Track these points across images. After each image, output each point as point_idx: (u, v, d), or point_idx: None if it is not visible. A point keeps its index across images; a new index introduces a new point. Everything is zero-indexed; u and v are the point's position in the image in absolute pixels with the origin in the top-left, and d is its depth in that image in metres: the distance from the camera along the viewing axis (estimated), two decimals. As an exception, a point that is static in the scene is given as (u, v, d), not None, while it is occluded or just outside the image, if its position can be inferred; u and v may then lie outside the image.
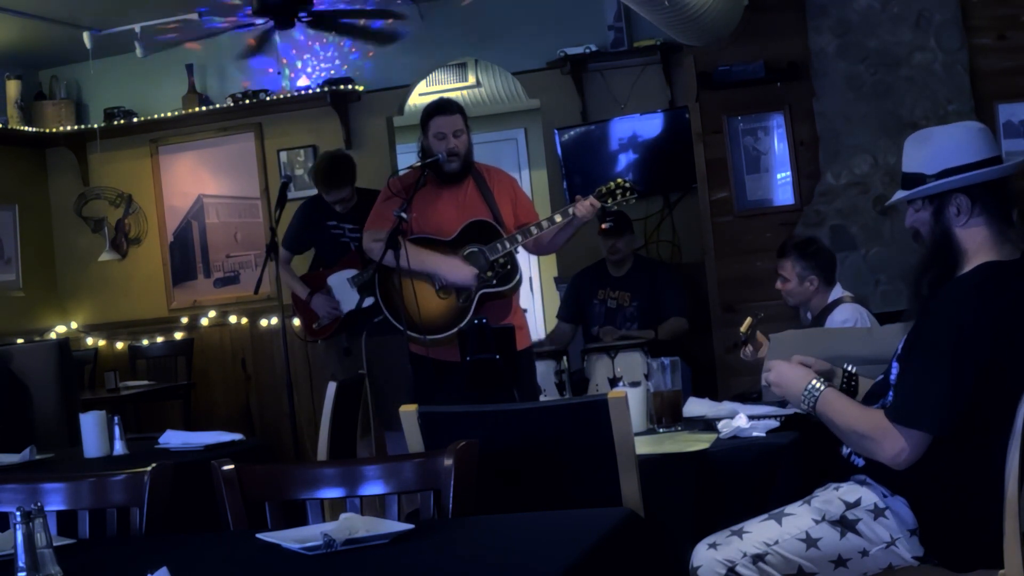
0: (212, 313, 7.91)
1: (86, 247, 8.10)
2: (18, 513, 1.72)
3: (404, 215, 4.27)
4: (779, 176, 6.41)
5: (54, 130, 7.90)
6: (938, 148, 2.58)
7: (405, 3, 7.19)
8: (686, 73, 6.54)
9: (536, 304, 9.96)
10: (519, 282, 4.59)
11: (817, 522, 2.55)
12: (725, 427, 3.04)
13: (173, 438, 3.96)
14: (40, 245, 8.11)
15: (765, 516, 2.61)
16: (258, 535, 2.05)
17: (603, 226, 6.35)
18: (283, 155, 7.76)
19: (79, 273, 8.18)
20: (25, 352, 5.86)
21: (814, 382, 2.64)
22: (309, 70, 7.70)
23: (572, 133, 7.21)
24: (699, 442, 2.97)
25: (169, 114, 7.80)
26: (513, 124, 10.02)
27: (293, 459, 5.89)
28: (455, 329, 4.41)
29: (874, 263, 6.02)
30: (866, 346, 3.36)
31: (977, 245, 2.55)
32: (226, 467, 2.36)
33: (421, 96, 8.05)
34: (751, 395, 3.96)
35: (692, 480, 2.82)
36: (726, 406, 3.40)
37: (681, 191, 7.04)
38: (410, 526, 2.02)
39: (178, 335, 7.91)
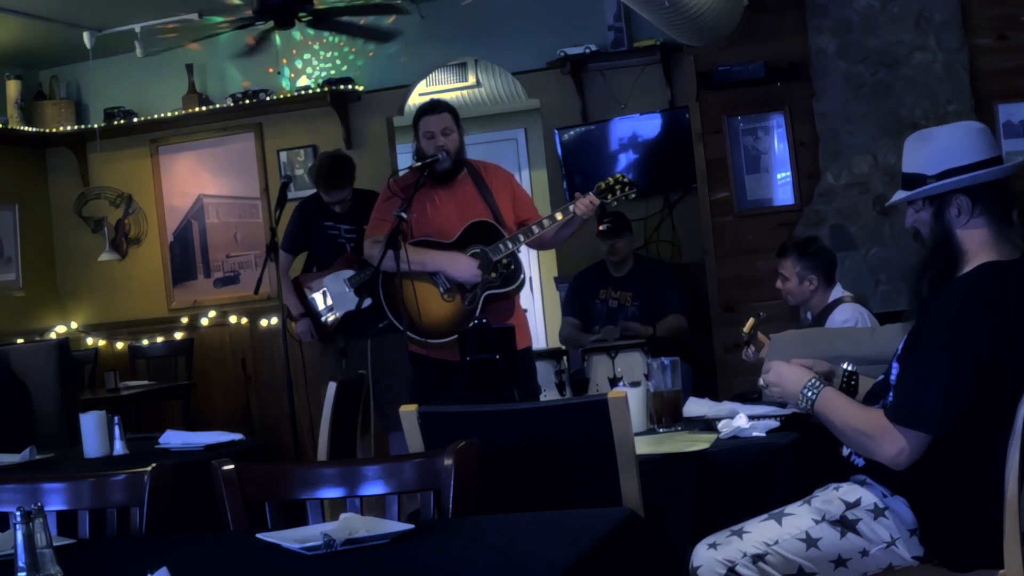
0: (212, 313, 7.91)
1: (86, 247, 8.10)
2: (18, 513, 1.72)
3: (404, 215, 4.27)
4: (779, 176, 6.41)
5: (54, 130, 7.90)
6: (939, 148, 2.58)
7: (405, 2, 7.19)
8: (686, 73, 6.55)
9: (536, 304, 9.96)
10: (523, 281, 4.59)
11: (817, 522, 2.55)
12: (725, 427, 3.04)
13: (173, 438, 3.96)
14: (40, 245, 8.11)
15: (765, 516, 2.60)
16: (258, 535, 2.05)
17: (600, 227, 6.35)
18: (283, 155, 7.76)
19: (79, 273, 8.18)
20: (25, 352, 5.86)
21: (813, 381, 2.64)
22: (309, 70, 7.70)
23: (572, 133, 7.21)
24: (699, 442, 2.97)
25: (169, 114, 7.80)
26: (513, 124, 10.02)
27: (293, 459, 5.90)
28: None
29: (874, 263, 6.02)
30: (866, 346, 3.36)
31: (977, 245, 2.55)
32: (226, 467, 2.36)
33: (421, 96, 8.04)
34: (751, 395, 3.96)
35: (692, 480, 2.82)
36: (726, 406, 3.40)
37: (681, 191, 7.04)
38: (410, 526, 2.01)
39: (178, 335, 7.91)
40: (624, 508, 2.42)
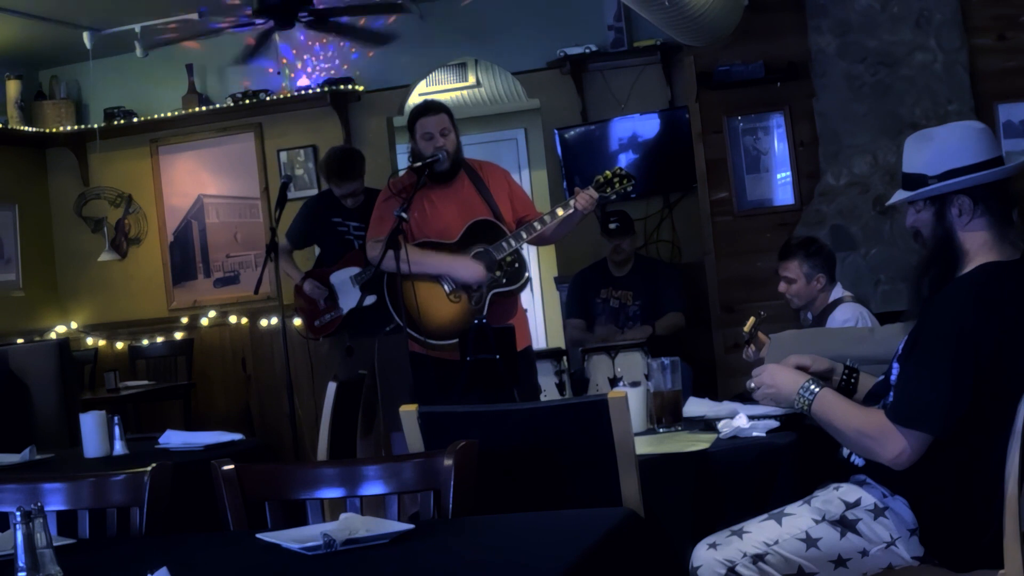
0: (212, 313, 7.91)
1: (86, 247, 8.11)
2: (18, 513, 1.72)
3: (404, 215, 4.27)
4: (779, 176, 6.42)
5: (54, 130, 7.90)
6: (940, 149, 2.58)
7: (405, 2, 7.19)
8: (686, 73, 6.55)
9: (536, 304, 9.96)
10: (528, 278, 4.60)
11: (817, 522, 2.55)
12: (725, 427, 3.04)
13: (173, 438, 3.96)
14: (40, 245, 8.11)
15: (765, 516, 2.60)
16: (258, 535, 2.05)
17: (609, 227, 6.36)
18: (283, 155, 7.76)
19: (79, 273, 8.18)
20: (25, 352, 5.87)
21: (808, 384, 2.63)
22: (309, 70, 7.70)
23: (572, 133, 7.21)
24: (699, 442, 2.97)
25: (169, 114, 7.80)
26: (513, 124, 10.02)
27: (293, 459, 5.90)
28: None
29: (874, 263, 6.02)
30: (867, 346, 3.36)
31: (978, 246, 2.55)
32: (226, 467, 2.36)
33: (421, 96, 8.04)
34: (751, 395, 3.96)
35: (692, 480, 2.82)
36: (726, 406, 3.40)
37: (681, 191, 7.04)
38: (410, 526, 2.01)
39: (178, 335, 7.91)
40: (624, 508, 2.42)
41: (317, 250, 6.37)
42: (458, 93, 8.99)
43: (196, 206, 8.00)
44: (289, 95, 7.59)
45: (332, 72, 7.64)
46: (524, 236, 4.51)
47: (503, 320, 4.37)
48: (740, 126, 6.42)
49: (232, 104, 7.65)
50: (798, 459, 2.87)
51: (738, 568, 2.51)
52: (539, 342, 9.22)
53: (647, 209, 7.10)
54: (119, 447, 3.85)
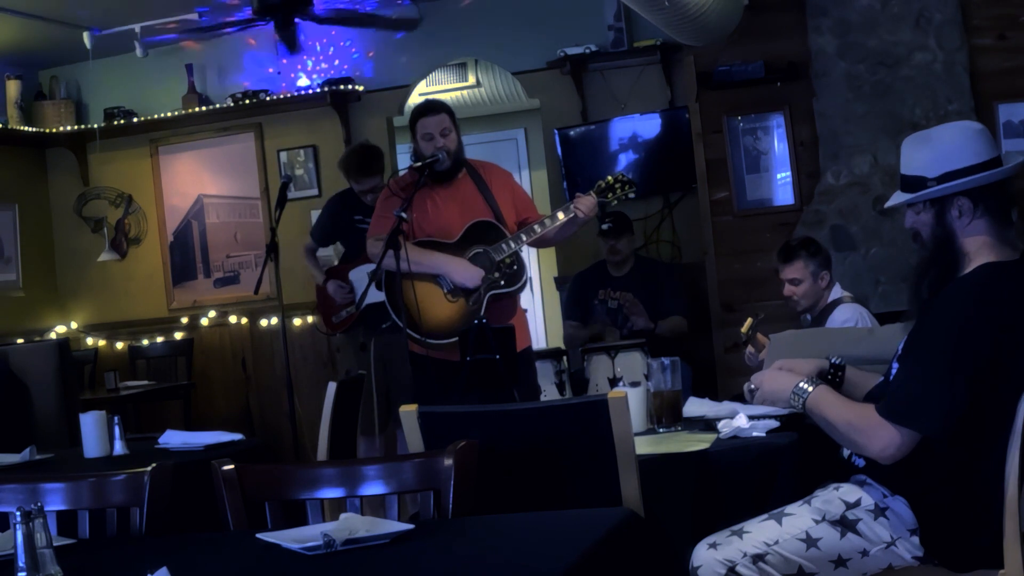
0: (212, 313, 7.91)
1: (86, 247, 8.11)
2: (18, 513, 1.72)
3: (404, 215, 4.27)
4: (779, 176, 6.41)
5: (54, 130, 7.90)
6: (938, 150, 2.58)
7: (405, 3, 7.19)
8: (686, 73, 6.54)
9: (536, 304, 9.96)
10: (526, 281, 4.60)
11: (817, 522, 2.55)
12: (725, 427, 3.04)
13: (173, 438, 3.96)
14: (40, 245, 8.12)
15: (765, 516, 2.61)
16: (258, 535, 2.05)
17: (603, 227, 6.35)
18: (283, 155, 7.77)
19: (79, 273, 8.18)
20: (25, 352, 5.87)
21: (802, 383, 2.65)
22: (309, 70, 7.70)
23: (572, 133, 7.21)
24: (699, 442, 2.97)
25: (169, 114, 7.81)
26: (513, 124, 10.02)
27: (293, 459, 5.90)
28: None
29: (874, 263, 6.02)
30: (866, 346, 3.36)
31: (978, 246, 2.55)
32: (226, 467, 2.36)
33: (421, 96, 8.04)
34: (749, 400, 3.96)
35: (692, 480, 2.82)
36: (726, 406, 3.40)
37: (681, 191, 7.04)
38: (410, 526, 2.02)
39: (178, 335, 7.92)
40: (624, 508, 2.42)
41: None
42: (458, 93, 8.99)
43: (196, 206, 8.00)
44: (289, 95, 7.59)
45: (332, 72, 7.64)
46: (524, 238, 4.51)
47: (502, 320, 4.37)
48: (740, 126, 6.42)
49: (232, 104, 7.65)
50: (798, 459, 2.88)
51: (738, 568, 2.51)
52: (539, 342, 9.22)
53: (647, 209, 7.10)
54: (119, 447, 3.85)
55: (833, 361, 2.84)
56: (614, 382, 5.44)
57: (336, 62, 7.67)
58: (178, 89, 7.81)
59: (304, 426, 6.42)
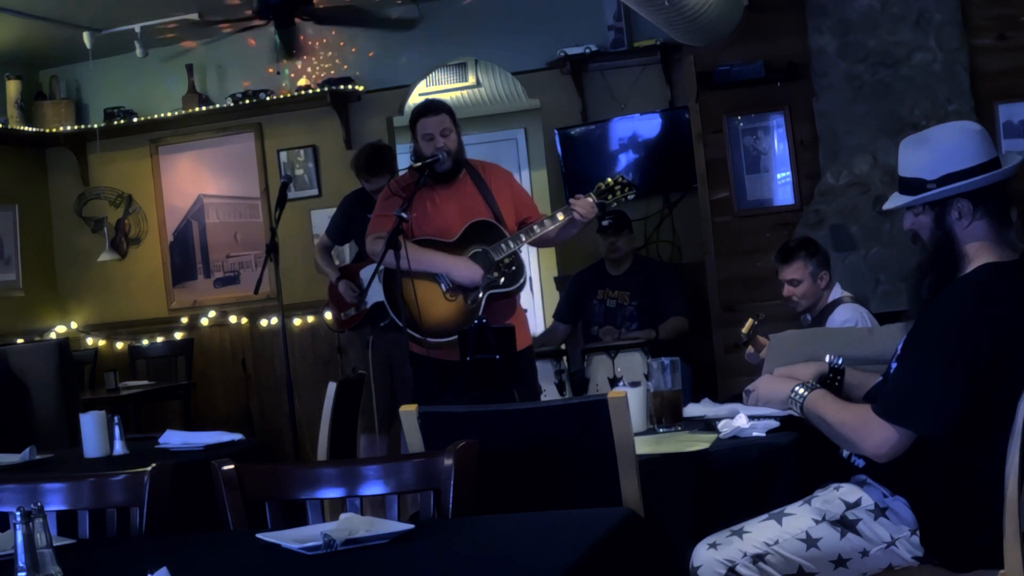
0: (212, 313, 7.91)
1: (86, 247, 8.11)
2: (18, 513, 1.72)
3: (404, 215, 4.27)
4: (779, 176, 6.41)
5: (54, 130, 7.90)
6: (937, 153, 2.57)
7: (405, 4, 7.19)
8: (686, 73, 6.54)
9: (536, 304, 9.96)
10: (525, 281, 4.60)
11: (817, 522, 2.55)
12: (725, 427, 3.04)
13: (173, 438, 3.96)
14: (40, 245, 8.12)
15: (765, 516, 2.61)
16: (258, 535, 2.05)
17: (603, 223, 6.35)
18: (283, 155, 7.77)
19: (79, 273, 8.18)
20: (25, 352, 5.87)
21: (797, 388, 2.68)
22: (309, 70, 7.70)
23: (572, 133, 7.21)
24: (699, 442, 2.97)
25: (169, 114, 7.80)
26: (513, 124, 10.02)
27: (293, 459, 5.90)
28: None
29: (874, 263, 6.02)
30: (866, 346, 3.36)
31: (978, 247, 2.55)
32: (226, 467, 2.36)
33: (421, 96, 8.05)
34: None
35: (692, 480, 2.82)
36: (726, 406, 3.40)
37: (681, 191, 7.04)
38: (410, 526, 2.01)
39: (178, 335, 7.92)
40: (624, 508, 2.42)
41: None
42: (458, 93, 8.99)
43: (196, 206, 8.00)
44: (289, 95, 7.59)
45: (332, 72, 7.64)
46: (523, 238, 4.51)
47: (501, 320, 4.37)
48: (740, 126, 6.42)
49: (232, 104, 7.65)
50: (798, 459, 2.88)
51: (738, 568, 2.51)
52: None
53: (647, 209, 7.10)
54: (119, 447, 3.85)
55: (833, 364, 2.84)
56: (614, 382, 5.44)
57: (336, 62, 7.67)
58: (178, 89, 7.81)
59: (304, 426, 6.41)
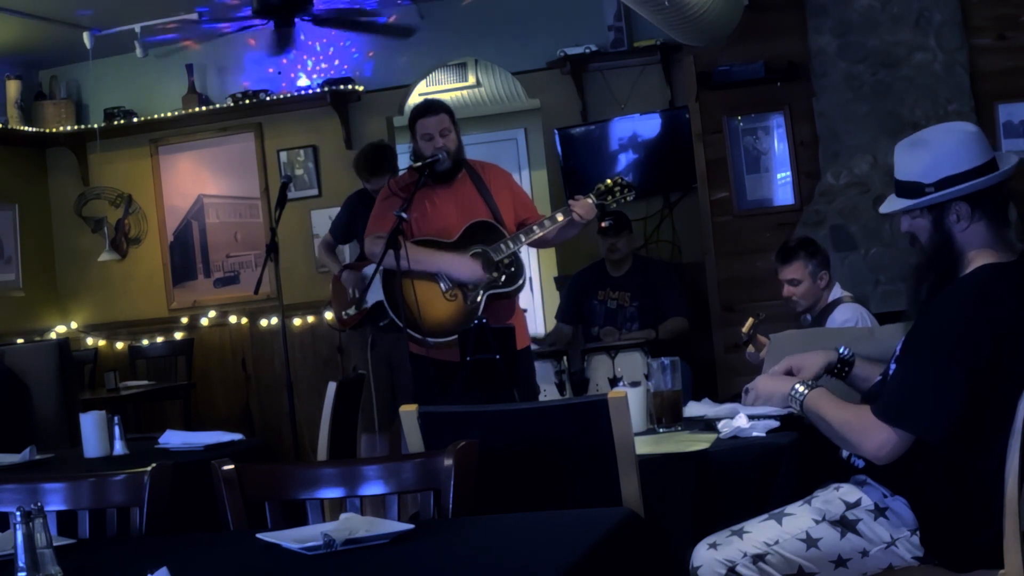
0: (212, 313, 7.91)
1: (86, 247, 8.11)
2: (18, 513, 1.72)
3: (404, 215, 4.27)
4: (779, 176, 6.42)
5: (54, 130, 7.90)
6: (934, 156, 2.56)
7: (405, 4, 7.19)
8: (686, 73, 6.55)
9: (536, 304, 9.96)
10: (524, 282, 4.60)
11: (817, 522, 2.55)
12: (725, 427, 3.03)
13: (173, 438, 3.96)
14: (40, 245, 8.11)
15: (765, 516, 2.61)
16: (258, 535, 2.05)
17: (603, 224, 6.35)
18: (283, 155, 7.77)
19: (79, 273, 8.18)
20: (25, 352, 5.87)
21: (797, 386, 2.68)
22: (309, 70, 7.70)
23: (572, 133, 7.21)
24: (699, 442, 2.97)
25: (169, 114, 7.81)
26: (513, 124, 10.02)
27: (293, 459, 5.90)
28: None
29: (874, 263, 6.02)
30: (866, 346, 3.36)
31: (976, 249, 2.55)
32: (226, 467, 2.36)
33: (421, 96, 8.05)
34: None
35: (692, 480, 2.82)
36: (726, 406, 3.40)
37: (681, 191, 7.04)
38: (410, 526, 2.01)
39: (178, 335, 7.92)
40: (624, 508, 2.42)
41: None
42: (458, 93, 8.99)
43: (196, 206, 8.00)
44: (289, 95, 7.59)
45: (332, 72, 7.65)
46: (523, 239, 4.51)
47: (501, 320, 4.37)
48: (740, 126, 6.42)
49: (232, 104, 7.65)
50: (798, 459, 2.87)
51: (738, 568, 2.51)
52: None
53: (647, 209, 7.10)
54: (119, 447, 3.85)
55: (842, 354, 2.84)
56: (614, 382, 5.44)
57: (336, 62, 7.67)
58: (178, 89, 7.81)
59: (304, 426, 6.42)
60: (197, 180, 7.99)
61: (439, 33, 7.45)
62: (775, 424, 3.05)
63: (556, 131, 7.22)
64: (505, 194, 4.64)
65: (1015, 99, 5.91)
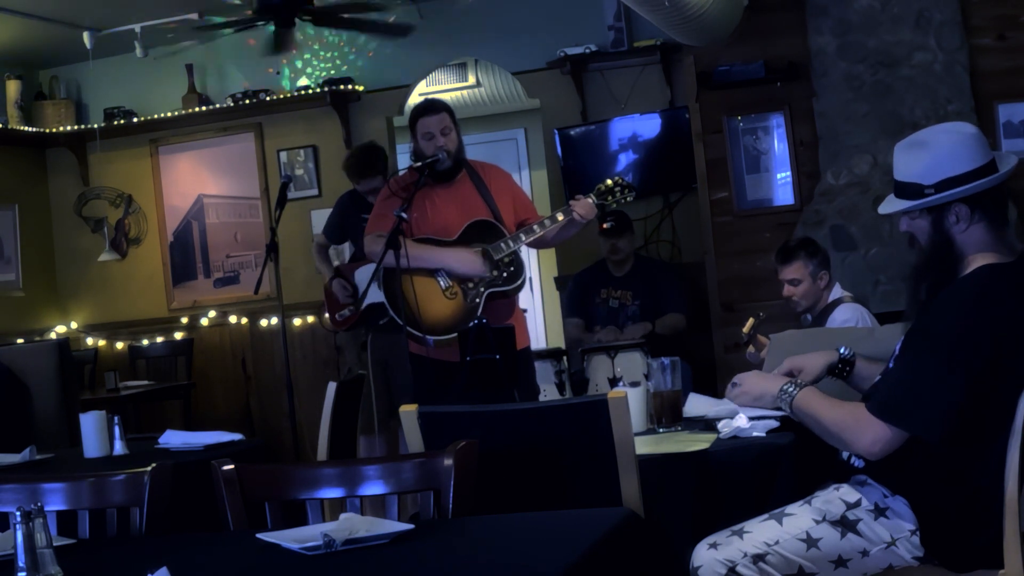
0: (212, 313, 7.91)
1: (86, 247, 8.11)
2: (18, 513, 1.72)
3: (404, 215, 4.27)
4: (779, 176, 6.42)
5: (54, 130, 7.90)
6: (934, 157, 2.56)
7: (405, 3, 7.19)
8: (686, 73, 6.55)
9: (536, 304, 9.96)
10: (524, 281, 4.60)
11: (817, 522, 2.55)
12: (725, 427, 3.03)
13: (173, 438, 3.96)
14: (40, 245, 8.11)
15: (765, 516, 2.61)
16: (258, 535, 2.05)
17: (604, 225, 6.35)
18: (283, 155, 7.77)
19: (79, 273, 8.18)
20: (25, 352, 5.86)
21: (786, 386, 2.68)
22: (309, 70, 7.70)
23: (572, 133, 7.21)
24: (699, 442, 2.97)
25: (169, 114, 7.81)
26: (513, 124, 10.02)
27: (293, 459, 5.90)
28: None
29: (874, 263, 6.02)
30: (867, 346, 3.36)
31: (976, 249, 2.55)
32: (226, 467, 2.36)
33: (421, 96, 8.04)
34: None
35: (692, 480, 2.81)
36: (726, 406, 3.40)
37: (681, 191, 7.04)
38: (410, 526, 2.01)
39: (178, 335, 7.91)
40: (624, 508, 2.42)
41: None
42: (458, 93, 8.99)
43: (196, 206, 8.00)
44: (289, 95, 7.59)
45: (332, 72, 7.65)
46: (523, 238, 4.51)
47: (500, 320, 4.37)
48: (740, 126, 6.42)
49: (232, 104, 7.65)
50: (798, 459, 2.87)
51: (739, 568, 2.51)
52: (539, 342, 9.22)
53: (647, 209, 7.10)
54: (119, 447, 3.85)
55: (842, 354, 2.84)
56: (614, 382, 5.44)
57: (336, 62, 7.67)
58: (178, 89, 7.81)
59: (304, 426, 6.42)
60: (197, 180, 7.99)
61: (439, 33, 7.44)
62: (775, 424, 3.04)
63: (556, 131, 7.22)
64: (505, 194, 4.64)
65: (1015, 99, 5.91)
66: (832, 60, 6.11)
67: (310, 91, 7.53)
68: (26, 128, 7.78)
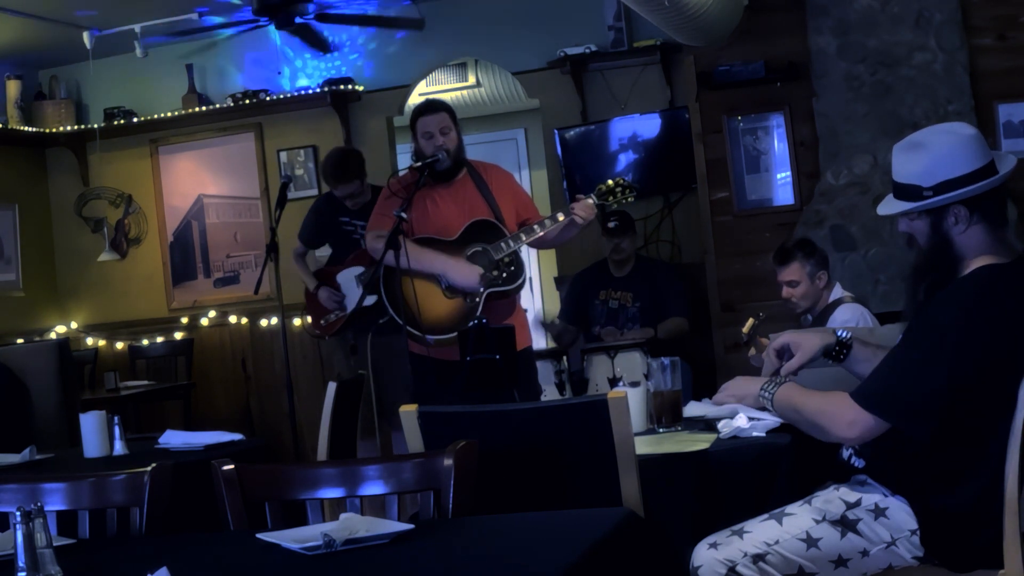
0: (212, 313, 7.91)
1: (86, 247, 8.11)
2: (18, 513, 1.72)
3: (404, 215, 4.27)
4: (779, 176, 6.42)
5: (54, 130, 7.90)
6: (932, 159, 2.56)
7: (405, 3, 7.18)
8: (686, 73, 6.55)
9: (536, 304, 9.96)
10: (524, 280, 4.60)
11: (817, 522, 2.55)
12: (725, 427, 3.03)
13: (173, 438, 3.96)
14: (40, 245, 8.12)
15: (765, 516, 2.61)
16: (258, 535, 2.05)
17: (608, 225, 6.35)
18: (283, 155, 7.77)
19: (79, 273, 8.18)
20: (25, 352, 5.86)
21: (766, 383, 2.72)
22: (309, 70, 7.70)
23: (572, 133, 7.21)
24: (699, 442, 2.97)
25: (169, 114, 7.81)
26: (513, 124, 10.02)
27: (293, 459, 5.90)
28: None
29: (874, 263, 6.02)
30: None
31: (975, 250, 2.54)
32: (226, 467, 2.36)
33: (421, 96, 8.05)
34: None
35: (692, 480, 2.82)
36: (726, 406, 3.40)
37: (681, 191, 7.04)
38: (410, 526, 2.01)
39: (178, 335, 7.92)
40: (624, 508, 2.42)
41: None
42: (458, 93, 8.99)
43: (196, 206, 8.00)
44: (289, 95, 7.59)
45: (332, 72, 7.64)
46: (523, 238, 4.51)
47: (500, 320, 4.37)
48: (740, 126, 6.42)
49: (232, 104, 7.65)
50: (798, 459, 2.87)
51: (739, 568, 2.51)
52: (540, 342, 9.20)
53: (647, 209, 7.10)
54: (119, 447, 3.85)
55: (840, 337, 2.84)
56: (614, 382, 5.44)
57: (336, 62, 7.67)
58: (178, 89, 7.81)
59: (304, 426, 6.42)
60: (197, 180, 7.99)
61: (439, 33, 7.44)
62: (775, 424, 3.05)
63: (556, 131, 7.22)
64: (506, 194, 4.64)
65: (1015, 99, 5.91)
66: (832, 60, 6.12)
67: (310, 91, 7.53)
68: (26, 128, 7.78)
